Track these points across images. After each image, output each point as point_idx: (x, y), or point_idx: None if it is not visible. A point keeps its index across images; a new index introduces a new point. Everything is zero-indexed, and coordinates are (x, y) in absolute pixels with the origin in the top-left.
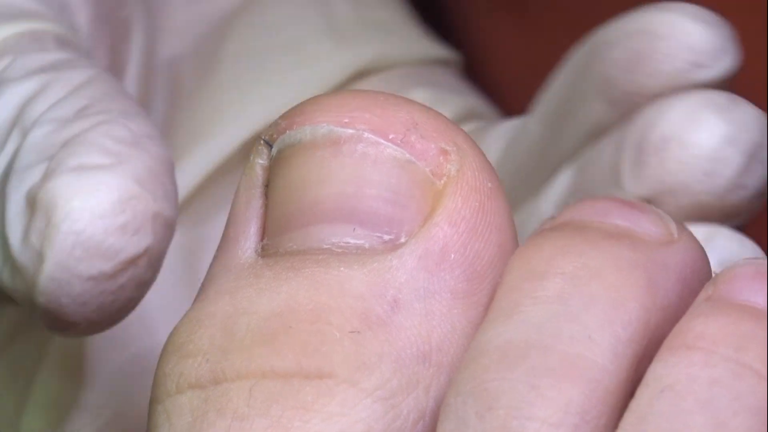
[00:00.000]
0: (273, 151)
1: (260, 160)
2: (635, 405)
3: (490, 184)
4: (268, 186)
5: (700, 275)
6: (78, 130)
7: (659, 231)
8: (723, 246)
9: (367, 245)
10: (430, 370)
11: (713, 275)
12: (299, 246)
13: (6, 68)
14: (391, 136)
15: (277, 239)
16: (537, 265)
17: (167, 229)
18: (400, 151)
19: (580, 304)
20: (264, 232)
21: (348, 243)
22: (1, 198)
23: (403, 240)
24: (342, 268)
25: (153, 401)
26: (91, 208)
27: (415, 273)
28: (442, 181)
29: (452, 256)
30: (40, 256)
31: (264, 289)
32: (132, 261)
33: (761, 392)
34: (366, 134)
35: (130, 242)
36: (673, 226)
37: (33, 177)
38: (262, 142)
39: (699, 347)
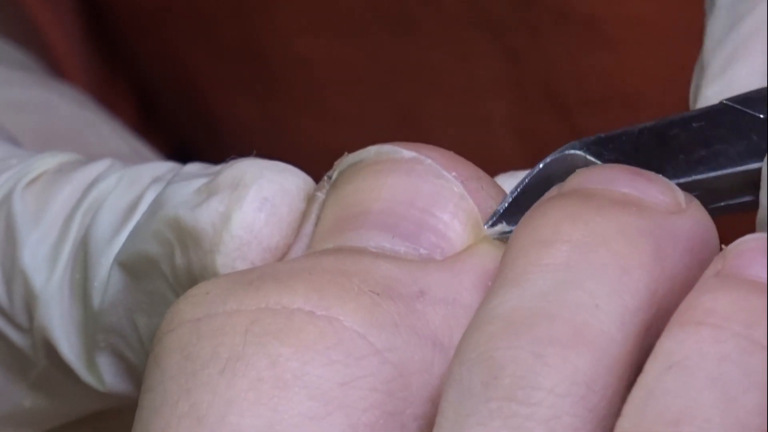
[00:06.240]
0: (333, 174)
1: (319, 193)
2: (643, 380)
3: None
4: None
5: (708, 246)
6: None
7: (667, 200)
8: None
9: (402, 251)
10: (446, 361)
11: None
12: (336, 245)
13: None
14: (453, 174)
15: (319, 245)
16: (544, 232)
17: None
18: (458, 186)
19: (587, 271)
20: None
21: (384, 246)
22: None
23: (438, 258)
24: (374, 258)
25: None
26: (281, 182)
27: (447, 282)
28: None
29: (490, 283)
30: (224, 216)
31: (292, 261)
32: (286, 250)
33: None
34: (429, 161)
35: (293, 230)
36: (681, 196)
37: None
38: (325, 177)
39: (708, 323)
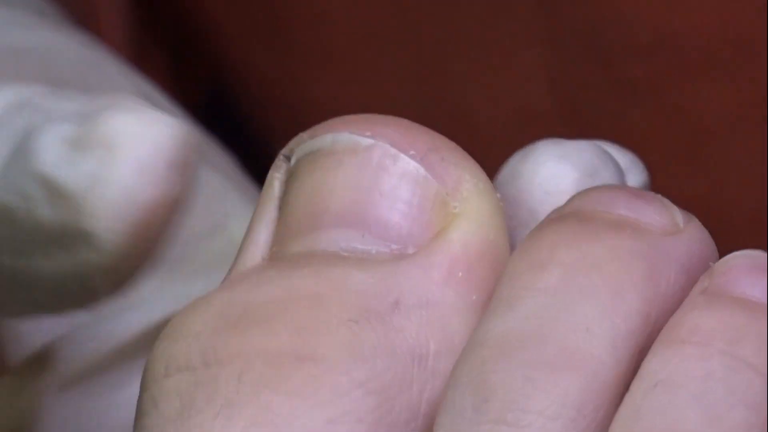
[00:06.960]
0: (292, 161)
1: (278, 174)
2: (629, 399)
3: (498, 220)
4: (283, 198)
5: (706, 265)
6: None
7: (663, 220)
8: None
9: (374, 251)
10: (425, 373)
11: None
12: (307, 249)
13: None
14: (411, 152)
15: (286, 244)
16: (538, 256)
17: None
18: (418, 167)
19: (578, 295)
20: (274, 240)
21: (356, 248)
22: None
23: (410, 251)
24: (347, 267)
25: (141, 389)
26: (155, 137)
27: (419, 282)
28: (457, 205)
29: (459, 274)
30: (99, 178)
31: (264, 282)
32: (174, 204)
33: (757, 386)
34: (386, 146)
35: (178, 183)
36: (678, 216)
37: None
38: (281, 156)
39: (693, 341)
